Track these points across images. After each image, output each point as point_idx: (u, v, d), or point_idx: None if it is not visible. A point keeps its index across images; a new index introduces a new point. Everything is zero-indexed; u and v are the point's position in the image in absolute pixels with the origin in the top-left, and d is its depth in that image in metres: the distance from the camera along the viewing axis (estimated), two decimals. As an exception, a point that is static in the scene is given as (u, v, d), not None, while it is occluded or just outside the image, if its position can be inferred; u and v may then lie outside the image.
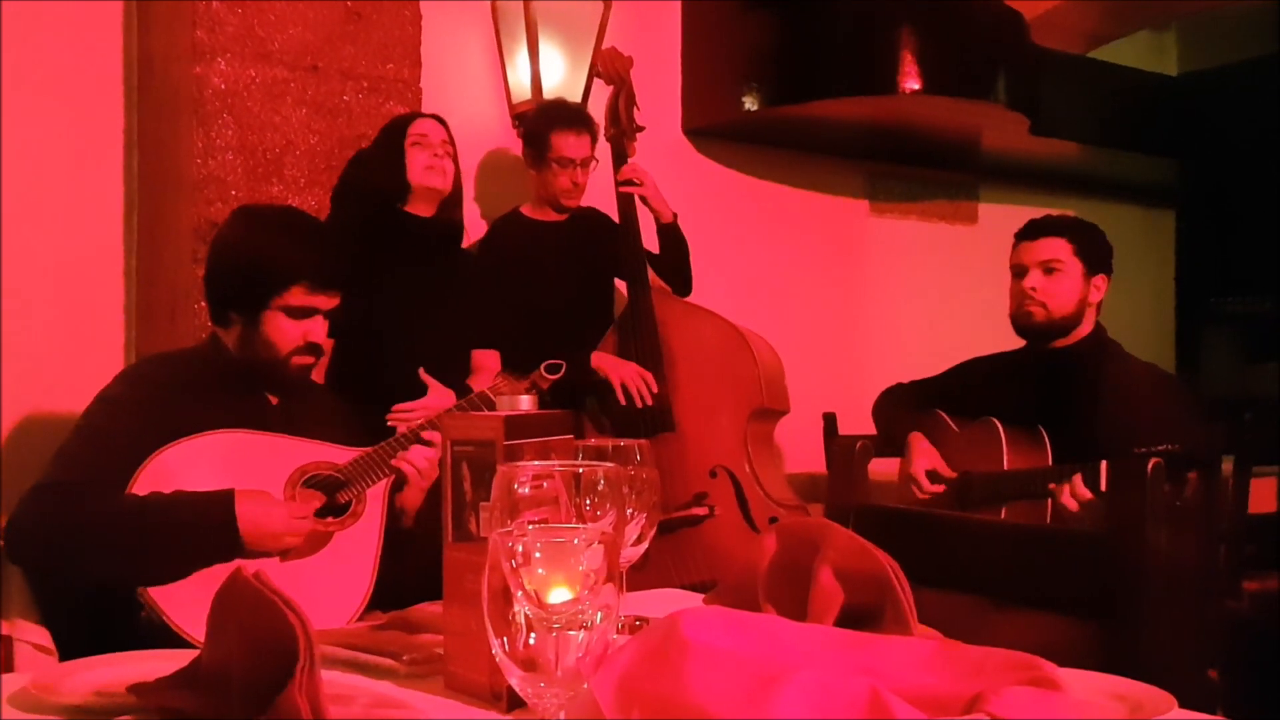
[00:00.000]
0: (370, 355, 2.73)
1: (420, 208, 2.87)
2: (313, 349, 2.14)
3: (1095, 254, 2.74)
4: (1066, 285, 2.71)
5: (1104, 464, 2.37)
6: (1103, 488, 2.37)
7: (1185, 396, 2.77)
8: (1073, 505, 2.42)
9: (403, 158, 2.82)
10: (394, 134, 2.87)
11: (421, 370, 2.46)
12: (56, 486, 1.91)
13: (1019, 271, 2.77)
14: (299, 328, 2.11)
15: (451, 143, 2.89)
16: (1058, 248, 2.72)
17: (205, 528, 1.91)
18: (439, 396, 2.44)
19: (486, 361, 2.87)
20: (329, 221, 2.92)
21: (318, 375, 2.70)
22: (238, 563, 1.90)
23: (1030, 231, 2.79)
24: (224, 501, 1.92)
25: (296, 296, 2.09)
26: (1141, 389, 2.65)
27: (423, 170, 2.82)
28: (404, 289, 2.81)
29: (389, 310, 2.78)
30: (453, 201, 2.92)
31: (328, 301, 2.14)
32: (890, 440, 2.85)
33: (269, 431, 2.09)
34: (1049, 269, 2.71)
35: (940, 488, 2.73)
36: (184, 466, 1.95)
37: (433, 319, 2.81)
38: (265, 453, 2.04)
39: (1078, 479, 2.42)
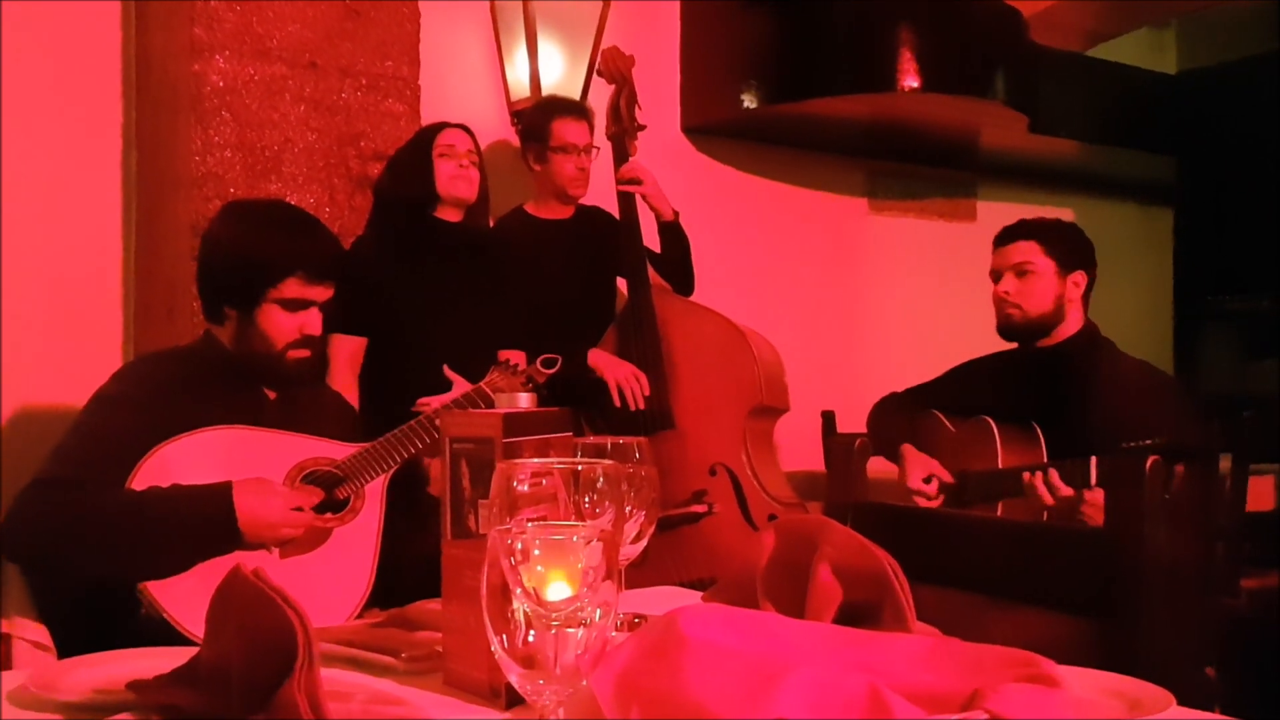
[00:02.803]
0: (400, 352, 2.82)
1: (449, 214, 2.96)
2: (309, 341, 2.14)
3: (1067, 251, 2.79)
4: (1040, 285, 2.75)
5: (1093, 459, 2.41)
6: (1093, 481, 2.39)
7: (1176, 392, 2.79)
8: (1048, 499, 2.46)
9: (431, 168, 2.91)
10: (422, 144, 2.96)
11: (446, 367, 2.51)
12: (53, 483, 1.91)
13: (995, 277, 2.83)
14: (294, 320, 2.11)
15: (477, 151, 2.98)
16: (1027, 250, 2.78)
17: (203, 520, 1.92)
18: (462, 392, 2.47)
19: (513, 360, 2.91)
20: (370, 223, 3.01)
21: (350, 374, 2.79)
22: (237, 555, 1.92)
23: (1002, 238, 2.86)
24: (222, 494, 1.93)
25: (291, 288, 2.09)
26: (1132, 385, 2.67)
27: (449, 180, 2.92)
28: (433, 290, 2.88)
29: (419, 310, 2.85)
30: (479, 208, 3.02)
31: (322, 293, 2.14)
32: (885, 449, 2.86)
33: (267, 427, 2.09)
34: (1021, 271, 2.76)
35: (935, 487, 2.74)
36: (182, 463, 1.95)
37: (460, 318, 2.88)
38: (263, 448, 2.04)
39: (1053, 473, 2.47)
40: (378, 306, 2.82)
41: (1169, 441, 2.31)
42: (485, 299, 2.97)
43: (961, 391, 2.91)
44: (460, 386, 2.48)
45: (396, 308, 2.85)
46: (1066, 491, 2.44)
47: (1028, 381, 2.77)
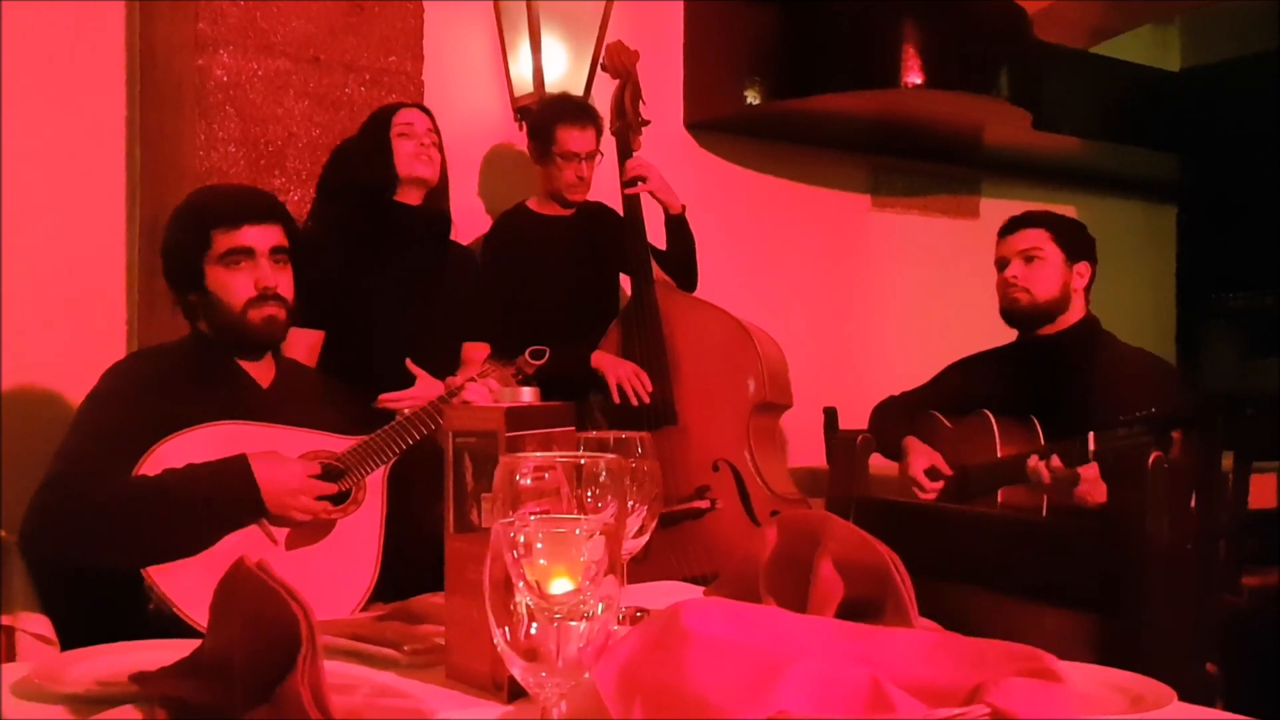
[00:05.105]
0: (359, 345, 2.73)
1: (408, 197, 2.84)
2: (270, 296, 2.11)
3: (1073, 242, 2.81)
4: (1047, 272, 2.77)
5: (1090, 435, 2.42)
6: (1090, 454, 2.41)
7: (1176, 377, 2.80)
8: (1045, 479, 2.47)
9: (389, 149, 2.80)
10: (379, 125, 2.84)
11: (408, 361, 2.45)
12: (66, 478, 1.91)
13: (1002, 264, 2.84)
14: (243, 276, 2.10)
15: (436, 132, 2.86)
16: (1036, 237, 2.80)
17: (226, 493, 1.93)
18: (427, 387, 2.43)
19: (476, 354, 2.85)
20: (314, 212, 2.92)
21: (307, 364, 2.69)
22: (246, 536, 1.92)
23: (1010, 225, 2.88)
24: (240, 466, 1.94)
25: (221, 241, 2.09)
26: (1130, 370, 2.69)
27: (410, 160, 2.80)
28: (393, 279, 2.79)
29: (378, 301, 2.76)
30: (440, 191, 2.90)
31: (259, 236, 2.11)
32: (887, 448, 2.87)
33: (262, 418, 2.09)
34: (1029, 257, 2.78)
35: (940, 484, 2.75)
36: (182, 459, 1.95)
37: (422, 310, 2.80)
38: (262, 443, 2.04)
39: (1051, 456, 2.48)
40: (334, 297, 2.71)
41: (1165, 412, 2.33)
42: (449, 287, 2.88)
43: (959, 387, 2.92)
44: (424, 380, 2.43)
45: (354, 298, 2.74)
46: (1064, 471, 2.44)
47: (1028, 370, 2.78)
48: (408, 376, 2.44)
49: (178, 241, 2.16)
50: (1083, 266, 2.79)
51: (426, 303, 2.81)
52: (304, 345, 2.72)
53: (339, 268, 2.73)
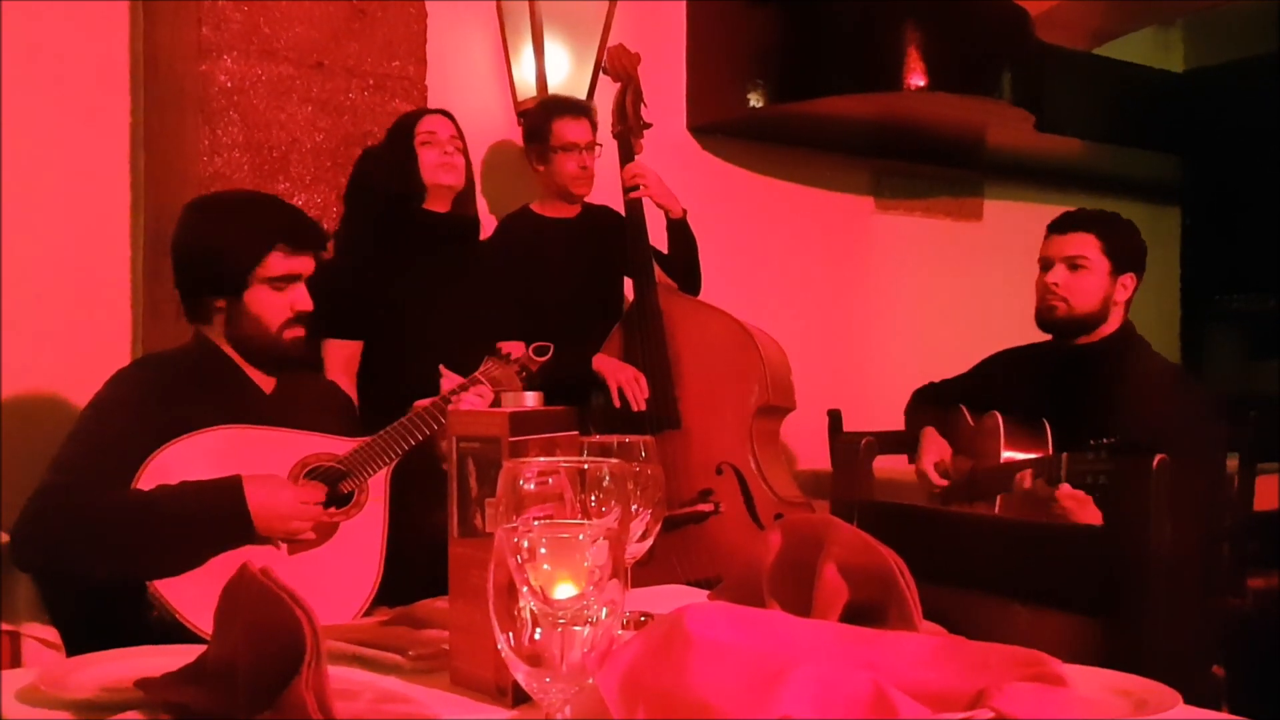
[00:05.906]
0: (395, 353, 2.76)
1: (435, 205, 2.88)
2: (303, 319, 2.14)
3: (1124, 252, 2.68)
4: (1091, 282, 2.64)
5: (1064, 456, 2.37)
6: (1062, 476, 2.36)
7: (1200, 398, 2.70)
8: (1027, 484, 2.44)
9: (414, 157, 2.83)
10: (403, 133, 2.88)
11: (441, 366, 2.47)
12: (57, 489, 1.91)
13: (1045, 265, 2.71)
14: (284, 298, 2.11)
15: (460, 137, 2.90)
16: (1085, 243, 2.66)
17: (215, 514, 1.92)
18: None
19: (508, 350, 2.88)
20: (344, 222, 2.96)
21: (347, 378, 2.75)
22: (247, 549, 1.92)
23: (1061, 225, 2.73)
24: (232, 487, 1.93)
25: (276, 264, 2.10)
26: (1154, 388, 2.60)
27: (434, 168, 2.83)
28: (424, 286, 2.82)
29: (412, 308, 2.80)
30: (466, 196, 2.94)
31: (305, 264, 2.13)
32: (915, 438, 2.86)
33: (266, 423, 2.09)
34: (1074, 265, 2.65)
35: (945, 482, 2.74)
36: (183, 465, 1.96)
37: (454, 314, 2.82)
38: (264, 447, 2.05)
39: (1030, 472, 2.45)
40: (369, 308, 2.76)
41: (1128, 439, 2.28)
42: (480, 292, 2.91)
43: (990, 384, 2.85)
44: (455, 384, 2.46)
45: (389, 308, 2.78)
46: (1043, 488, 2.42)
47: (1058, 376, 2.70)
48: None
49: (226, 248, 2.12)
50: (1128, 278, 2.67)
51: (458, 307, 2.84)
52: (342, 356, 2.77)
53: (372, 278, 2.78)
